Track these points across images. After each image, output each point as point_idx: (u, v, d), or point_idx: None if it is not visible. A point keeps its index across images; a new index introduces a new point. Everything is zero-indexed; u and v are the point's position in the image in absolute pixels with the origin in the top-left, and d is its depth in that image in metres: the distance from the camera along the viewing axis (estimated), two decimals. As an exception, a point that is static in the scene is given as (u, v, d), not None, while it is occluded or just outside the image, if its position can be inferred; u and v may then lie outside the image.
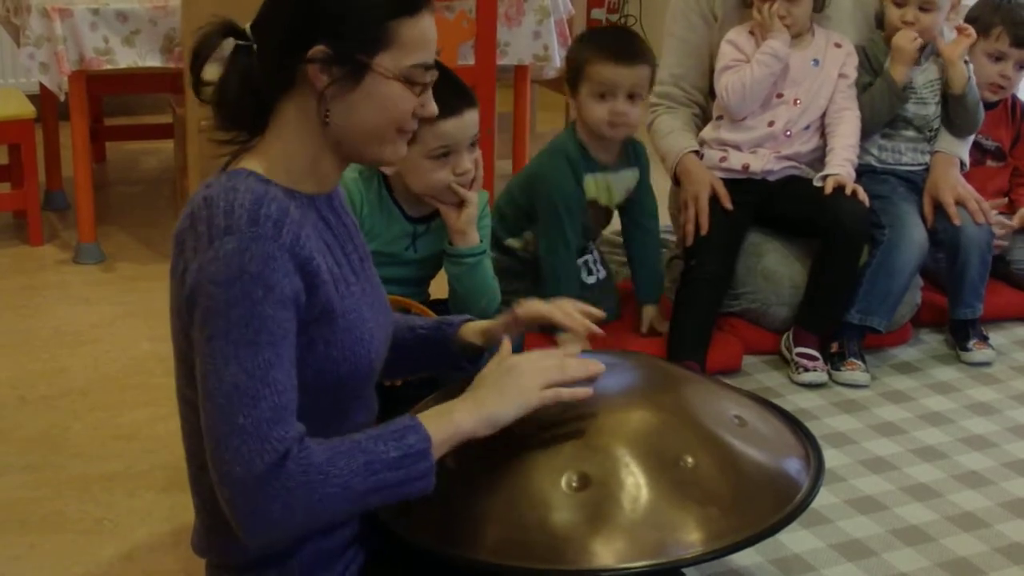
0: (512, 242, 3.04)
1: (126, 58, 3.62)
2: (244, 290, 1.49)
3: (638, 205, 3.11)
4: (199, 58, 1.64)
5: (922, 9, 3.23)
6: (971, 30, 3.30)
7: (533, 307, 1.96)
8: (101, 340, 3.30)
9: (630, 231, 3.15)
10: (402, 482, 1.55)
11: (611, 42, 2.91)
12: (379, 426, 1.58)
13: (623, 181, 3.04)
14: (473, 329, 1.98)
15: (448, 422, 1.61)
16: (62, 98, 3.65)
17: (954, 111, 3.28)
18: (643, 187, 3.10)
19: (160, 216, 4.21)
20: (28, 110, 3.90)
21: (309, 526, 1.54)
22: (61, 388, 3.02)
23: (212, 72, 1.66)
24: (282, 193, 1.58)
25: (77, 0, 3.57)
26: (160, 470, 2.64)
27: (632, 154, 3.05)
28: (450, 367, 1.99)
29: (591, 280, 3.07)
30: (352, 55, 1.57)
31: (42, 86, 3.81)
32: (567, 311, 1.94)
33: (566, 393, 1.68)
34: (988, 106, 3.46)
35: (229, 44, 1.64)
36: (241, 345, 1.49)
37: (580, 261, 3.06)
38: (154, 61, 3.65)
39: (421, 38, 1.60)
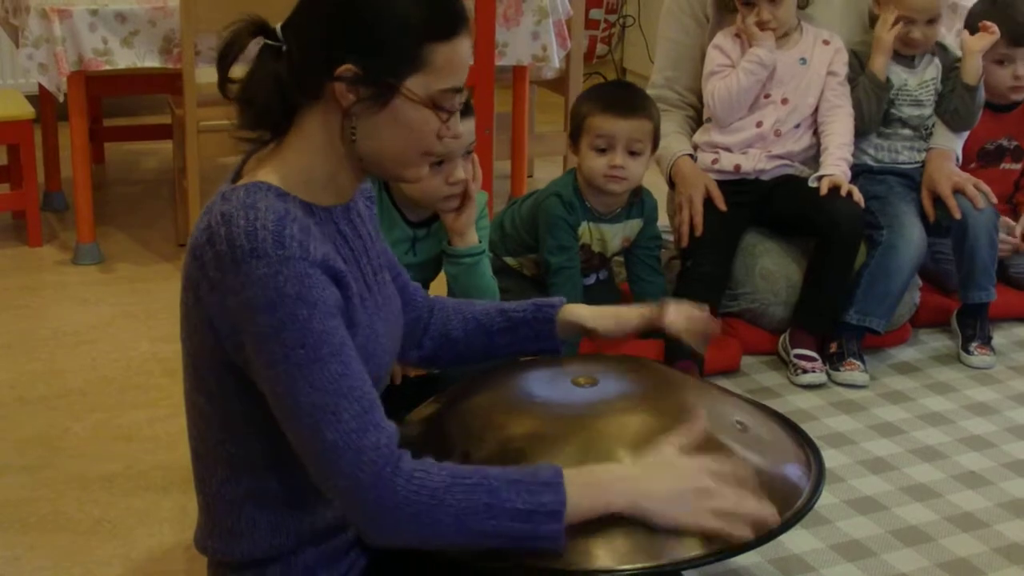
0: (510, 260, 3.03)
1: (125, 59, 3.62)
2: (288, 313, 1.48)
3: (642, 250, 3.04)
4: (228, 55, 1.61)
5: (929, 23, 3.24)
6: (995, 27, 3.30)
7: (678, 322, 2.00)
8: (100, 341, 3.30)
9: (630, 260, 3.09)
10: (525, 536, 1.51)
11: (611, 95, 2.89)
12: (520, 469, 1.55)
13: (622, 231, 2.99)
14: (580, 313, 1.98)
15: (598, 496, 1.55)
16: (61, 99, 3.65)
17: (960, 102, 3.28)
18: (645, 235, 3.03)
19: (159, 217, 4.21)
20: (27, 111, 3.90)
21: (422, 544, 1.53)
22: (60, 389, 3.02)
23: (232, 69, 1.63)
24: (300, 208, 1.56)
25: (76, 1, 3.57)
26: (159, 470, 2.64)
27: (639, 205, 2.99)
28: (545, 350, 1.98)
29: (590, 280, 3.07)
30: (381, 76, 1.54)
31: (41, 87, 3.81)
32: (694, 333, 2.01)
33: (729, 532, 1.57)
34: (1011, 106, 3.49)
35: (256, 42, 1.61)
36: (305, 365, 1.48)
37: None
38: (153, 62, 3.65)
39: (454, 63, 1.57)
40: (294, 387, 1.49)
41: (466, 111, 2.35)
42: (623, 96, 2.89)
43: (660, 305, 2.04)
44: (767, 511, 1.63)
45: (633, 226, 3.01)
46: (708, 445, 1.70)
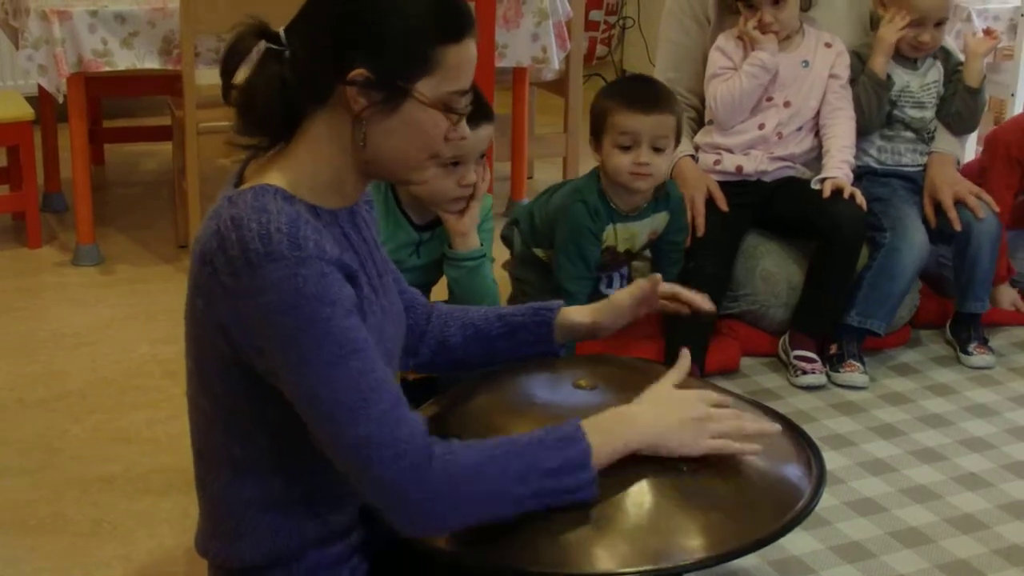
0: (540, 252, 3.03)
1: (125, 60, 3.62)
2: (309, 313, 1.48)
3: (667, 243, 3.04)
4: (232, 60, 1.59)
5: (937, 26, 3.24)
6: (998, 32, 3.31)
7: (667, 284, 2.02)
8: (100, 342, 3.30)
9: (656, 254, 3.09)
10: (561, 491, 1.55)
11: (633, 91, 2.85)
12: (541, 430, 1.58)
13: (648, 226, 2.97)
14: (577, 312, 1.98)
15: (616, 436, 1.61)
16: (60, 100, 3.65)
17: (963, 104, 3.29)
18: (673, 227, 3.02)
19: (159, 218, 4.21)
20: (27, 112, 3.90)
21: (466, 523, 1.55)
22: (59, 390, 3.02)
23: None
24: (307, 211, 1.56)
25: (75, 2, 3.57)
26: (159, 472, 2.64)
27: (664, 199, 2.97)
28: (545, 352, 1.97)
29: (609, 292, 3.05)
30: (392, 80, 1.54)
31: (41, 88, 3.81)
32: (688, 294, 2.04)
33: (736, 447, 1.67)
34: None
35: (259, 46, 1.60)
36: (331, 364, 1.49)
37: (604, 274, 3.05)
38: (152, 63, 3.65)
39: (463, 65, 1.57)
40: (321, 386, 1.49)
41: (486, 116, 2.34)
42: (645, 91, 2.85)
43: (650, 277, 2.03)
44: (767, 424, 1.75)
45: (660, 220, 2.99)
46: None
